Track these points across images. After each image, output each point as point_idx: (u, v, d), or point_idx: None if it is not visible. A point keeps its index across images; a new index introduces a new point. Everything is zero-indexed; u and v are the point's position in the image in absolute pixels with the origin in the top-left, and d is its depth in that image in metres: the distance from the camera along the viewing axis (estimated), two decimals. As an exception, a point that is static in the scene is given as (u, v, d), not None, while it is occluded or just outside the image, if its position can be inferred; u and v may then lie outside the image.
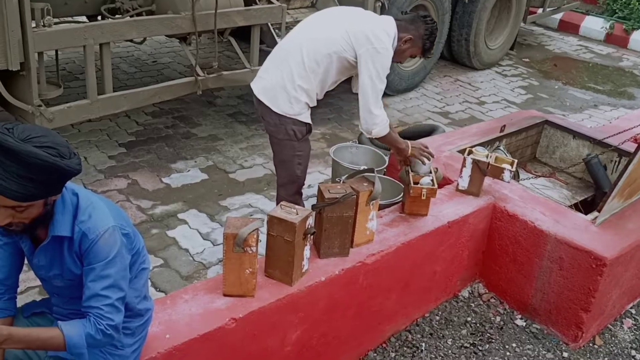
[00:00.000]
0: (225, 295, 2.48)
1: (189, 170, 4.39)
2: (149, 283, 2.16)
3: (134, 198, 3.96)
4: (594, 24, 9.56)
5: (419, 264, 3.19)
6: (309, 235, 2.57)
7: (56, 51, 3.97)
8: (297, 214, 2.52)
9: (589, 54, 8.76)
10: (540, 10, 8.32)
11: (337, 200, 2.68)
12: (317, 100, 3.02)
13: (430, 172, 3.16)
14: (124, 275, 1.83)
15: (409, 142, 3.13)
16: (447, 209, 3.32)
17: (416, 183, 3.07)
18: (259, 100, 2.98)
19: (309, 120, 3.00)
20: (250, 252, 2.42)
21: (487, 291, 3.62)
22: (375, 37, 2.81)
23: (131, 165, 4.33)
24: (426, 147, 3.17)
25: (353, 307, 2.90)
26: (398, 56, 2.99)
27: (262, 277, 2.62)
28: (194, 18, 3.95)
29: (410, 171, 3.14)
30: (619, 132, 4.40)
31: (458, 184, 3.51)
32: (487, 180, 3.54)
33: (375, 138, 3.05)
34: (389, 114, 5.78)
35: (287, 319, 2.59)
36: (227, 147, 4.79)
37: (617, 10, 9.64)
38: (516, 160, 3.45)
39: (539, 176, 4.60)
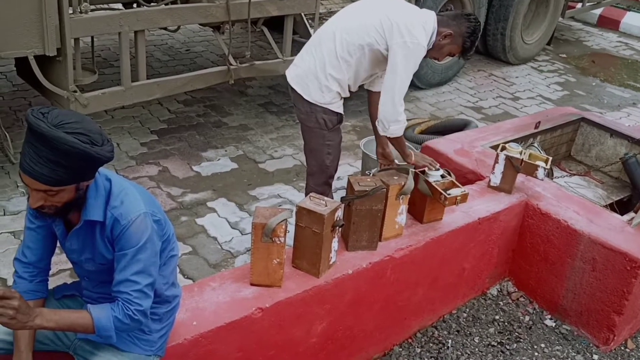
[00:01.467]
0: (252, 284, 2.49)
1: (219, 159, 4.41)
2: (177, 270, 2.18)
3: (165, 185, 4.00)
4: (635, 20, 9.29)
5: (448, 260, 3.15)
6: (337, 227, 2.56)
7: (92, 38, 4.02)
8: (326, 206, 2.51)
9: (629, 51, 8.53)
10: (579, 5, 8.13)
11: (367, 193, 2.66)
12: (351, 92, 3.00)
13: (444, 176, 3.08)
14: (154, 262, 1.85)
15: (413, 150, 3.16)
16: (477, 206, 3.27)
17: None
18: (292, 87, 2.97)
19: (340, 110, 2.98)
20: (278, 242, 2.41)
21: (516, 290, 3.56)
22: (409, 30, 2.76)
23: (162, 153, 4.37)
24: (426, 157, 3.17)
25: (380, 301, 2.88)
26: (436, 52, 2.94)
27: (290, 268, 2.61)
28: (227, 7, 3.96)
29: (427, 180, 3.04)
30: (659, 132, 4.28)
31: (490, 180, 3.45)
32: (520, 178, 3.47)
33: (389, 137, 3.01)
34: (421, 107, 5.80)
35: (313, 311, 2.59)
36: (258, 137, 4.80)
37: (659, 6, 9.37)
38: (550, 158, 3.37)
39: (574, 174, 4.51)
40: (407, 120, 5.07)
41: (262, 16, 4.28)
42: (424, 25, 2.81)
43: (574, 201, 3.44)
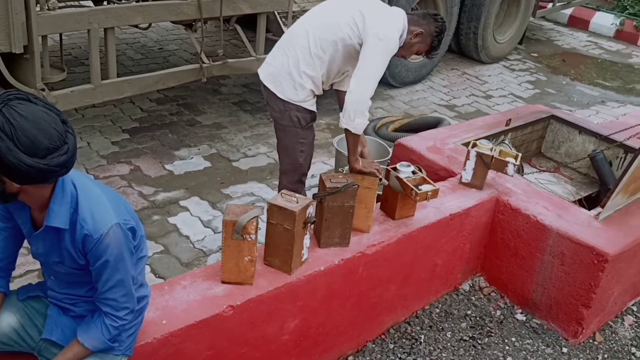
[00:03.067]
0: (223, 282, 2.48)
1: (192, 158, 4.38)
2: (147, 270, 2.16)
3: (136, 184, 3.96)
4: (604, 20, 9.47)
5: (420, 256, 3.17)
6: (309, 224, 2.56)
7: (60, 35, 3.96)
8: (297, 203, 2.51)
9: (598, 50, 8.69)
10: (550, 5, 8.25)
11: (338, 190, 2.67)
12: (324, 90, 3.00)
13: (415, 172, 3.08)
14: (130, 271, 1.87)
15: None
16: (449, 202, 3.30)
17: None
18: (264, 85, 2.96)
19: (313, 108, 2.98)
20: (249, 239, 2.41)
21: (488, 285, 3.60)
22: (382, 25, 2.78)
23: (134, 152, 4.33)
24: (375, 164, 2.96)
25: (352, 297, 2.89)
26: (405, 50, 2.95)
27: (261, 265, 2.61)
28: (199, 4, 3.93)
29: (397, 176, 2.96)
30: (626, 129, 4.36)
31: (461, 177, 3.49)
32: (491, 174, 3.51)
33: (349, 132, 2.86)
34: (395, 105, 5.83)
35: (285, 308, 2.58)
36: (231, 136, 4.78)
37: (627, 7, 9.54)
38: (520, 154, 3.42)
39: (544, 171, 4.57)
40: (381, 118, 5.16)
41: (235, 14, 4.26)
42: (396, 22, 2.83)
43: (543, 197, 3.49)
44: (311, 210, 2.57)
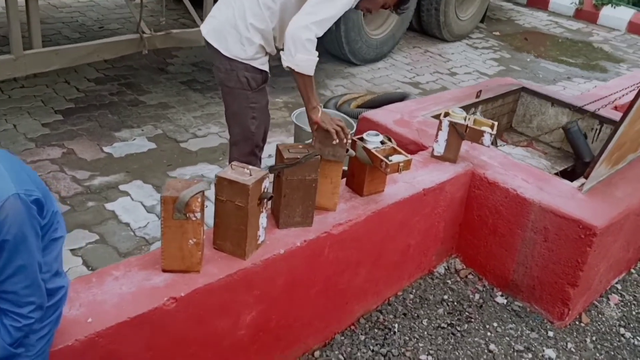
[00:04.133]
0: (164, 271, 2.10)
1: (134, 139, 3.94)
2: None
3: (69, 169, 3.50)
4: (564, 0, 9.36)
5: (392, 236, 2.84)
6: (265, 200, 2.20)
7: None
8: (250, 175, 2.14)
9: (559, 29, 8.54)
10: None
11: (298, 161, 2.30)
12: (277, 49, 2.61)
13: (383, 142, 2.73)
14: (33, 257, 1.49)
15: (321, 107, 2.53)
16: (421, 176, 2.99)
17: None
18: (207, 43, 2.57)
19: (265, 68, 2.59)
20: (193, 218, 2.03)
21: (464, 267, 3.31)
22: None
23: (68, 134, 3.86)
24: (340, 122, 2.45)
25: (317, 284, 2.54)
26: (370, 2, 2.59)
27: (210, 250, 2.24)
28: (136, -39, 3.50)
29: (365, 147, 2.59)
30: (599, 99, 4.13)
31: (433, 150, 3.17)
32: (464, 147, 3.22)
33: (295, 72, 2.40)
34: (357, 83, 5.50)
35: (239, 299, 2.21)
36: (179, 116, 4.35)
37: (587, -14, 9.46)
38: (496, 123, 3.12)
39: (517, 145, 4.31)
40: (342, 95, 4.82)
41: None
42: None
43: (522, 169, 3.21)
44: (267, 184, 2.20)
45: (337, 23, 5.23)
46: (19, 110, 4.03)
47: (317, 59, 2.41)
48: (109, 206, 3.25)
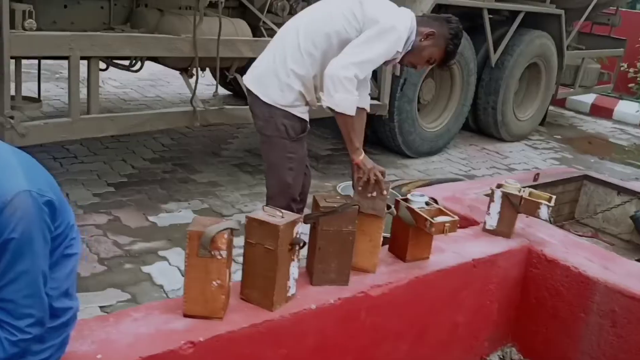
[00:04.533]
0: (186, 315, 1.96)
1: (180, 211, 3.92)
2: (76, 276, 1.64)
3: (112, 233, 3.49)
4: (628, 108, 9.20)
5: (437, 308, 2.61)
6: (296, 246, 2.06)
7: (39, 62, 3.68)
8: (282, 217, 2.03)
9: (626, 135, 8.32)
10: (571, 89, 8.05)
11: (334, 210, 2.18)
12: (318, 99, 2.58)
13: (428, 203, 2.57)
14: (38, 265, 1.39)
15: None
16: (471, 247, 2.79)
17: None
18: (248, 90, 2.57)
19: (304, 117, 2.55)
20: (219, 257, 1.92)
21: (521, 357, 2.97)
22: (387, 17, 2.41)
23: (116, 203, 3.89)
24: (381, 170, 2.41)
25: (351, 352, 2.31)
26: (415, 56, 2.55)
27: (237, 300, 2.10)
28: (194, 41, 3.65)
29: (409, 206, 2.47)
30: (670, 188, 3.87)
31: (485, 223, 2.98)
32: (520, 224, 3.02)
33: (336, 113, 2.38)
34: (409, 173, 5.40)
35: (264, 354, 2.02)
36: (227, 193, 4.34)
37: (651, 95, 9.33)
38: (554, 196, 2.93)
39: (580, 235, 4.03)
40: (393, 181, 4.72)
41: (233, 55, 3.96)
42: (403, 18, 2.46)
43: (584, 247, 2.96)
44: (299, 229, 2.08)
45: (390, 113, 5.28)
46: (74, 181, 4.13)
47: (358, 97, 2.38)
48: (145, 269, 3.17)
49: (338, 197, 2.31)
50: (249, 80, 2.59)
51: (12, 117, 3.02)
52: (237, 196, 4.28)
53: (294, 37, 2.49)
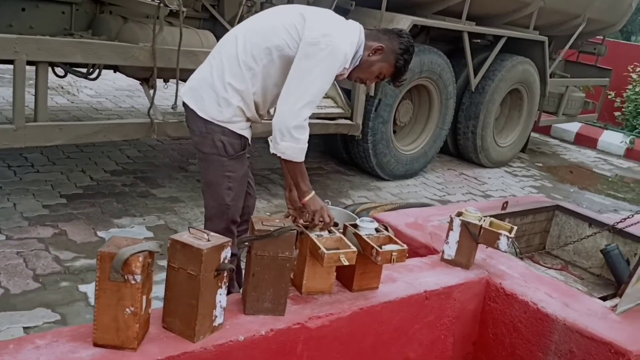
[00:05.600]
0: (95, 345, 1.79)
1: (132, 227, 3.74)
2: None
3: (55, 248, 3.30)
4: (613, 138, 9.14)
5: (385, 343, 2.44)
6: (223, 272, 1.90)
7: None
8: (208, 241, 1.87)
9: (608, 166, 8.23)
10: (554, 117, 7.98)
11: (269, 234, 2.02)
12: (261, 116, 2.43)
13: (378, 230, 2.42)
14: None
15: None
16: (425, 277, 2.64)
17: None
18: (184, 104, 2.41)
19: (245, 133, 2.39)
20: (132, 282, 1.75)
21: (478, 396, 2.81)
22: (326, 31, 2.24)
23: (66, 216, 3.71)
24: (331, 217, 2.34)
25: (285, 389, 2.14)
26: (364, 71, 2.39)
27: (158, 329, 1.92)
28: (153, 51, 3.50)
29: (356, 233, 2.36)
30: (644, 223, 3.73)
31: (443, 252, 2.83)
32: (481, 254, 2.88)
33: (284, 159, 2.30)
34: (382, 196, 5.25)
35: (180, 390, 1.85)
36: (187, 209, 4.17)
37: (637, 126, 9.25)
38: (515, 227, 2.79)
39: (549, 268, 3.89)
40: (362, 203, 4.56)
41: (195, 67, 3.78)
42: (348, 32, 2.30)
43: (545, 282, 2.82)
44: (227, 254, 1.92)
45: (364, 133, 5.15)
46: (25, 191, 3.95)
47: (306, 146, 2.27)
48: (83, 288, 2.98)
49: (277, 220, 2.15)
50: (185, 93, 2.43)
51: (-49, 123, 2.86)
52: (196, 213, 4.11)
53: (232, 46, 2.33)
